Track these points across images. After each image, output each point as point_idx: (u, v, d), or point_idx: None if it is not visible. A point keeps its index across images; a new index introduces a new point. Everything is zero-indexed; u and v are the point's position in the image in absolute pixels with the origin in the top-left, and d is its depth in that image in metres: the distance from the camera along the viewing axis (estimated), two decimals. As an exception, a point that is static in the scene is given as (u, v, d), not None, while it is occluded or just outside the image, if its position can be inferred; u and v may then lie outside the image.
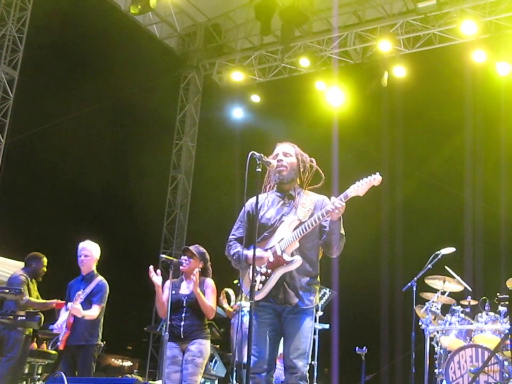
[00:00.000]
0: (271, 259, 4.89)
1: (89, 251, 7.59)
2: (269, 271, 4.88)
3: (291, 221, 4.98)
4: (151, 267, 6.64)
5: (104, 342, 7.66)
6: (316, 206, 5.01)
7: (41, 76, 12.69)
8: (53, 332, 7.42)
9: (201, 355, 6.55)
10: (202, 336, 6.65)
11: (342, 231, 4.94)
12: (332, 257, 5.12)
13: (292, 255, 4.90)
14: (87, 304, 7.30)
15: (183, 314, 6.65)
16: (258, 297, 4.80)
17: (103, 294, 7.45)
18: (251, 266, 4.78)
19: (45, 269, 8.90)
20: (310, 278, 5.00)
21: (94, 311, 7.29)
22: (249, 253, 4.84)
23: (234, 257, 5.09)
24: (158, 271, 6.71)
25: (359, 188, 4.80)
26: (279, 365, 5.53)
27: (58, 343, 7.26)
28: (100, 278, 7.59)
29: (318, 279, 5.09)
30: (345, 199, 4.82)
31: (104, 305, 7.46)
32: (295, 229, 4.93)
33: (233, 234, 5.23)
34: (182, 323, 6.61)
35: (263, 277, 4.86)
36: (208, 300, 6.73)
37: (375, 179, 4.80)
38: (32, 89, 12.52)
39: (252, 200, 5.06)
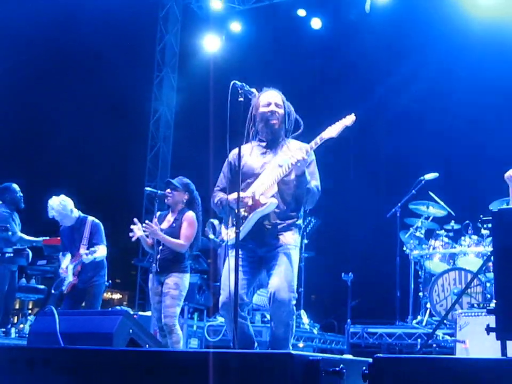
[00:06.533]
0: (250, 203, 4.89)
1: (58, 215, 7.57)
2: (247, 214, 4.87)
3: (272, 167, 4.95)
4: (130, 234, 6.67)
5: (110, 281, 7.79)
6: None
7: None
8: (60, 276, 7.51)
9: (176, 287, 6.61)
10: (178, 269, 6.69)
11: (309, 185, 4.92)
12: (305, 208, 5.13)
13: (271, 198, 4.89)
14: (91, 247, 7.38)
15: (160, 248, 6.68)
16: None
17: (100, 233, 7.54)
18: (233, 210, 4.80)
19: (20, 194, 8.84)
20: (290, 221, 4.99)
21: (101, 251, 7.40)
22: (231, 196, 4.84)
23: (217, 204, 5.12)
24: (135, 220, 6.71)
25: (333, 130, 4.78)
26: (264, 292, 5.55)
27: (63, 288, 7.38)
28: (90, 219, 7.62)
29: (300, 223, 5.07)
30: (321, 141, 4.82)
31: (105, 243, 7.54)
32: None
33: (217, 186, 5.25)
34: (158, 256, 6.63)
35: (242, 221, 4.83)
36: (182, 231, 6.74)
37: (348, 119, 4.80)
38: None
39: (235, 151, 5.01)
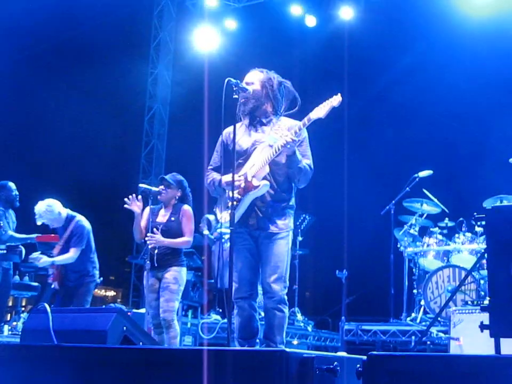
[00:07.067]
0: (242, 185, 4.92)
1: (47, 220, 7.55)
2: (240, 196, 4.92)
3: (263, 147, 4.99)
4: (130, 196, 6.66)
5: (101, 279, 7.78)
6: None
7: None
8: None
9: (176, 282, 6.61)
10: (177, 263, 6.69)
11: (301, 165, 4.95)
12: (298, 187, 5.17)
13: (263, 179, 4.94)
14: (66, 248, 7.39)
15: None
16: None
17: (79, 236, 7.47)
18: (226, 192, 4.86)
19: (16, 193, 8.75)
20: (284, 203, 5.04)
21: (69, 254, 7.39)
22: (224, 177, 4.90)
23: (211, 185, 5.18)
24: (139, 197, 6.73)
25: (320, 110, 4.82)
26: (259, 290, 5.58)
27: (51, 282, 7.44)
28: (76, 219, 7.57)
29: (293, 203, 5.12)
30: (309, 122, 4.87)
31: (83, 246, 7.49)
32: None
33: (210, 165, 5.30)
34: (156, 251, 6.64)
35: (235, 202, 4.87)
36: (184, 228, 6.77)
37: (335, 99, 4.83)
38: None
39: (227, 130, 5.12)
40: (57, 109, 13.22)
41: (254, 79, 5.16)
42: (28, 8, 11.66)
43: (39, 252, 7.45)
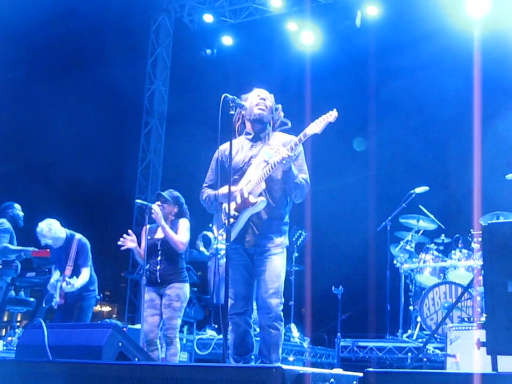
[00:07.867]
0: (239, 201, 4.92)
1: (51, 240, 7.52)
2: (236, 213, 4.91)
3: (258, 162, 4.99)
4: (122, 238, 6.65)
5: (101, 295, 7.77)
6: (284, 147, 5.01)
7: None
8: (49, 291, 7.50)
9: (178, 299, 6.57)
10: (179, 279, 6.66)
11: (297, 180, 4.96)
12: (295, 202, 5.17)
13: (260, 196, 4.94)
14: (75, 269, 7.36)
15: (159, 258, 6.66)
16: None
17: (86, 254, 7.50)
18: (223, 208, 4.85)
19: (22, 213, 8.85)
20: (279, 220, 5.04)
21: (84, 275, 7.40)
22: (220, 190, 4.89)
23: (206, 201, 5.17)
24: (130, 231, 6.70)
25: (316, 126, 4.83)
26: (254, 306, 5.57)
27: (52, 303, 7.35)
28: (77, 238, 7.56)
29: (287, 220, 5.12)
30: (304, 138, 4.88)
31: (91, 263, 7.51)
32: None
33: (205, 183, 5.30)
34: (158, 267, 6.61)
35: (232, 219, 4.87)
36: (180, 233, 6.74)
37: (331, 115, 4.85)
38: None
39: (222, 146, 5.08)
40: (53, 122, 13.21)
41: (268, 95, 5.23)
42: (28, 18, 11.68)
43: (73, 278, 7.36)
